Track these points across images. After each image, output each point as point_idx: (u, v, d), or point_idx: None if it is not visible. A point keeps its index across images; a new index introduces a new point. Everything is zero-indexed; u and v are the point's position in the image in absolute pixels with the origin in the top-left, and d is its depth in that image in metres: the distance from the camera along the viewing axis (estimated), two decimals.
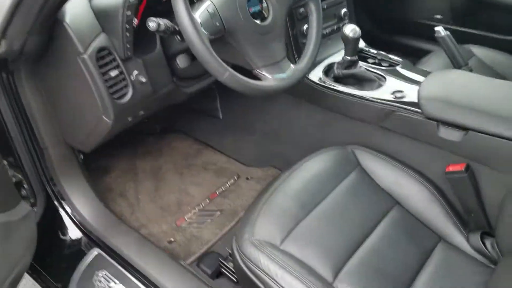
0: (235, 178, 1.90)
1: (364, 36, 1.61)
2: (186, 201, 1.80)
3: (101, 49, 1.17)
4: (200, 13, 1.10)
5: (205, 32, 1.09)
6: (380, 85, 1.58)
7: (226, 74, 1.09)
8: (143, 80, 1.25)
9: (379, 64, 1.69)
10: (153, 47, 1.33)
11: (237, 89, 1.14)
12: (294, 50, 1.62)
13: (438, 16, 2.28)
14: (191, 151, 2.07)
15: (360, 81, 1.62)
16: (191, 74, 1.50)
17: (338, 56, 1.73)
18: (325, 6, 1.71)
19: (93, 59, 1.16)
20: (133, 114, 1.33)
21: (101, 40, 1.17)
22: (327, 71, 1.71)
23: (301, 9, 1.60)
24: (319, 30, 1.38)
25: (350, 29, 1.53)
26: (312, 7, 1.35)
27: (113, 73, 1.19)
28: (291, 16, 1.58)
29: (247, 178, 1.90)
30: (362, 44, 1.79)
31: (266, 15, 1.23)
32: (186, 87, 1.50)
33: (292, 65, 1.28)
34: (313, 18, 1.36)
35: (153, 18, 1.10)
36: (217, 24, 1.12)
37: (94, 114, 1.23)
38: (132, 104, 1.27)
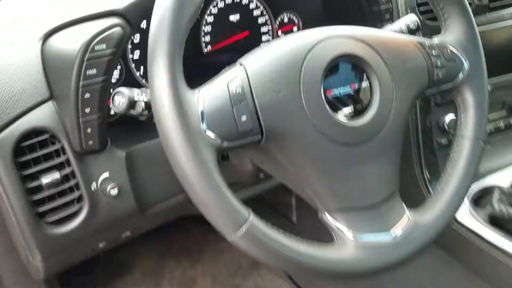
0: None
1: None
2: None
3: (31, 133, 0.62)
4: (210, 92, 0.49)
5: (212, 137, 0.47)
6: None
7: (242, 231, 0.47)
8: (115, 192, 0.66)
9: None
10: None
11: (266, 261, 0.50)
12: (423, 162, 0.91)
13: None
14: (244, 263, 1.42)
15: None
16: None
17: (503, 176, 0.97)
18: (490, 88, 0.97)
19: (5, 150, 0.61)
20: (102, 241, 0.76)
21: (37, 116, 0.63)
22: (479, 200, 0.95)
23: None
24: (477, 139, 0.66)
25: None
26: (468, 94, 0.65)
27: (47, 180, 0.63)
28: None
29: None
30: None
31: (363, 106, 0.56)
32: None
33: (409, 214, 0.59)
34: (470, 114, 0.65)
35: (123, 90, 0.52)
36: (245, 119, 0.49)
37: (20, 245, 0.68)
38: (89, 231, 0.69)
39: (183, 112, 0.45)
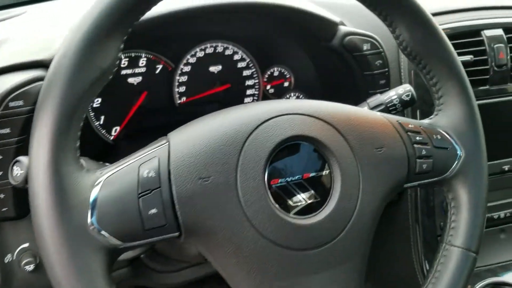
0: None
1: None
2: None
3: None
4: (114, 174, 0.40)
5: (105, 235, 0.38)
6: None
7: None
8: (30, 268, 0.56)
9: None
10: None
11: None
12: (422, 250, 0.78)
13: None
14: None
15: None
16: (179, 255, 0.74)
17: None
18: (507, 168, 0.84)
19: None
20: None
21: None
22: None
23: None
24: (469, 250, 0.53)
25: None
26: (462, 191, 0.52)
27: None
28: None
29: None
30: None
31: (319, 201, 0.46)
32: (167, 273, 0.76)
33: None
34: (462, 217, 0.52)
35: (23, 159, 0.43)
36: (155, 212, 0.40)
37: None
38: None
39: (62, 202, 0.36)
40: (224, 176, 0.42)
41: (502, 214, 0.86)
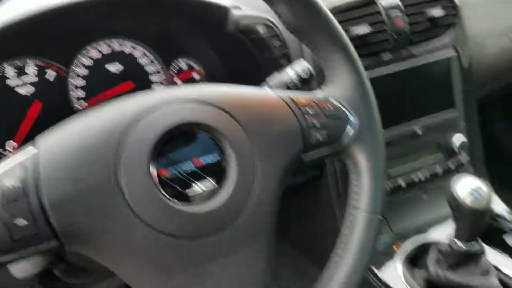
0: None
1: None
2: None
3: None
4: None
5: None
6: None
7: None
8: None
9: None
10: None
11: None
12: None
13: None
14: None
15: None
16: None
17: (442, 230, 0.86)
18: (421, 132, 0.86)
19: None
20: None
21: None
22: (416, 259, 0.83)
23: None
24: (374, 213, 0.53)
25: (468, 187, 0.68)
26: (360, 157, 0.52)
27: None
28: None
29: None
30: (497, 205, 0.89)
31: (215, 186, 0.44)
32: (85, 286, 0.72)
33: None
34: (364, 181, 0.53)
35: None
36: (25, 223, 0.37)
37: None
38: None
39: None
40: (102, 173, 0.40)
41: (422, 176, 0.89)
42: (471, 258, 0.74)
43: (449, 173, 0.89)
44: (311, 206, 0.96)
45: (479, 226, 0.72)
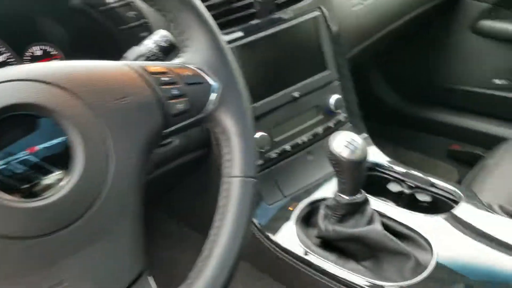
0: None
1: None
2: None
3: None
4: None
5: None
6: (418, 264, 0.74)
7: None
8: None
9: (415, 205, 0.85)
10: None
11: None
12: None
13: (498, 81, 1.41)
14: None
15: (375, 252, 0.76)
16: None
17: (330, 187, 0.89)
18: (298, 95, 0.88)
19: None
20: None
21: None
22: (309, 216, 0.85)
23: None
24: (247, 177, 0.52)
25: (344, 141, 0.70)
26: (228, 121, 0.51)
27: None
28: None
29: None
30: (379, 157, 0.95)
31: (60, 174, 0.40)
32: None
33: None
34: (234, 147, 0.51)
35: None
36: None
37: None
38: None
39: None
40: None
41: (305, 138, 0.91)
42: (357, 209, 0.77)
43: (329, 132, 0.92)
44: (204, 185, 0.94)
45: (360, 177, 0.76)
